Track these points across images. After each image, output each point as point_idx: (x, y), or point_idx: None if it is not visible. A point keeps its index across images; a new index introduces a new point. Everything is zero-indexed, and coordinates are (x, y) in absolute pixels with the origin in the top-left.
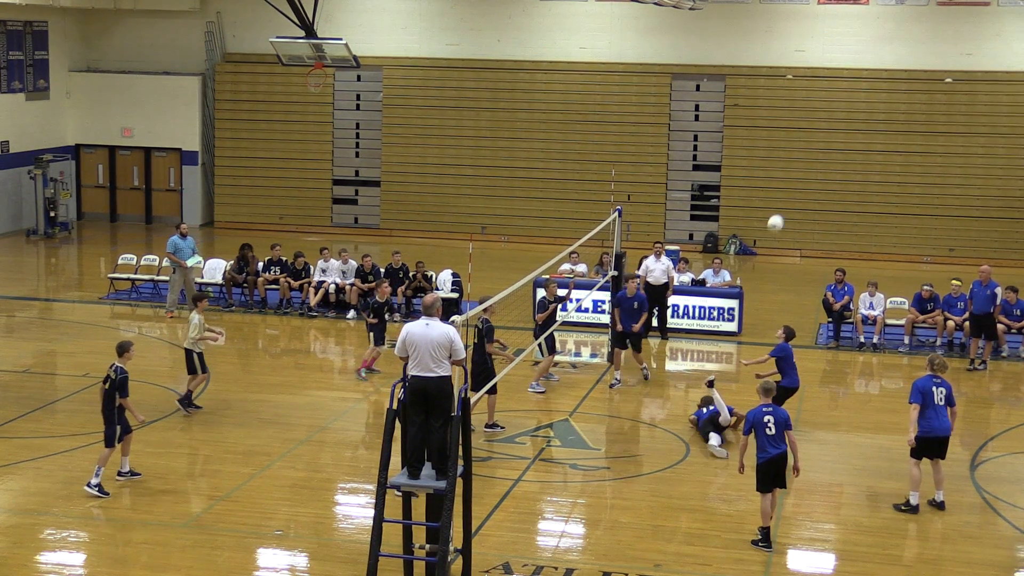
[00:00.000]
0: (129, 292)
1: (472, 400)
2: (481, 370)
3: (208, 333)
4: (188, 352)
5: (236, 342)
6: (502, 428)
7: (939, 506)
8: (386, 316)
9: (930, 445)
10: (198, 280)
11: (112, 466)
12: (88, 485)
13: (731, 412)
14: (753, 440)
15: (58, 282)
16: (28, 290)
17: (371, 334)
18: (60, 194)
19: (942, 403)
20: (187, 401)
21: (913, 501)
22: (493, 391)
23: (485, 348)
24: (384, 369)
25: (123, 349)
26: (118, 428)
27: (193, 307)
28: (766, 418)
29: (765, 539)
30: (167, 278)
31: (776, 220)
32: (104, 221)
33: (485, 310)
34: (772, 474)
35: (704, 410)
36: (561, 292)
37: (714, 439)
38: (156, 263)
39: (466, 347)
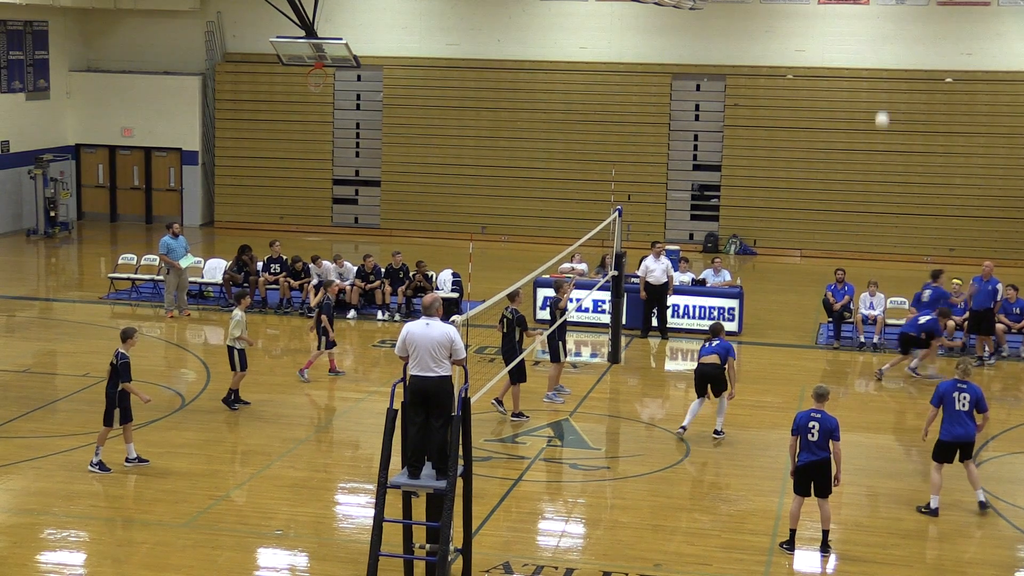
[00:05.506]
0: (129, 292)
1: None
2: (511, 360)
3: (245, 335)
4: (230, 349)
5: None
6: (527, 417)
7: (982, 506)
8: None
9: (950, 450)
10: (197, 280)
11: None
12: (91, 464)
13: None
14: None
15: (58, 282)
16: (28, 290)
17: (323, 337)
18: (60, 194)
19: (964, 408)
20: (230, 400)
21: (933, 504)
22: (522, 379)
23: (515, 338)
24: (316, 373)
25: (127, 335)
26: (117, 410)
27: (236, 304)
28: (811, 423)
29: (789, 542)
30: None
31: (883, 118)
32: (104, 221)
33: (512, 299)
34: (808, 479)
35: (708, 344)
36: (569, 275)
37: (693, 407)
38: (156, 263)
39: (467, 346)
